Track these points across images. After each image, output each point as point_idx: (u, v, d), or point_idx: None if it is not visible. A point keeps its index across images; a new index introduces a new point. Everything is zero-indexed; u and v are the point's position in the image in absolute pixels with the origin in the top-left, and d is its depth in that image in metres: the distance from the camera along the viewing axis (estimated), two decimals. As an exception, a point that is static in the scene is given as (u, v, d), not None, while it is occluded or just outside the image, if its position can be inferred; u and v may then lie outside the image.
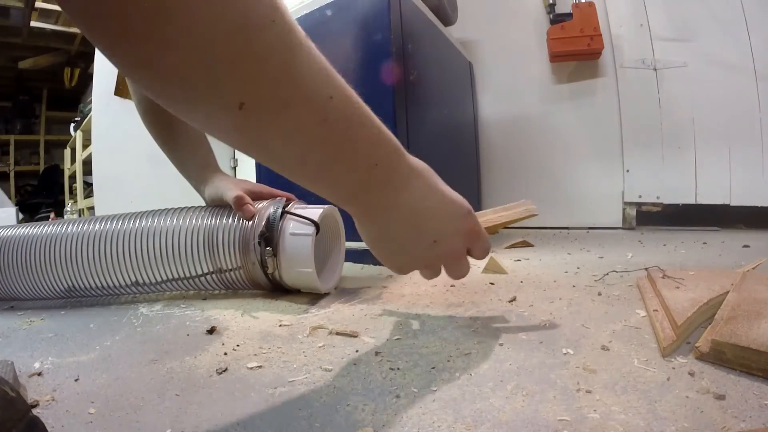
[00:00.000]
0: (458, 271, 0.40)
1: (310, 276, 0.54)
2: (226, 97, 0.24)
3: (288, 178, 0.31)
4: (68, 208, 2.48)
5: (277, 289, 0.59)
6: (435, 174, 0.37)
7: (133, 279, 0.57)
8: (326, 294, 0.58)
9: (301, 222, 0.55)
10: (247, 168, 1.93)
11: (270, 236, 0.54)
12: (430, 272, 0.41)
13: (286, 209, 0.56)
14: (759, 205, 1.19)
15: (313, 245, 0.53)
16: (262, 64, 0.24)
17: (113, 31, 0.21)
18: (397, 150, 0.33)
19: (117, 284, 0.57)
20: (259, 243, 0.54)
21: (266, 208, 0.57)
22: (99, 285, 0.57)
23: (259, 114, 0.25)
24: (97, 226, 0.57)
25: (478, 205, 1.44)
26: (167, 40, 0.21)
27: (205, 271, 0.57)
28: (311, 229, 0.54)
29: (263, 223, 0.55)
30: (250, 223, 0.56)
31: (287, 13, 0.24)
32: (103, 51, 0.22)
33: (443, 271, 0.41)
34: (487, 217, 0.72)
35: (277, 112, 0.26)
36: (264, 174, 1.06)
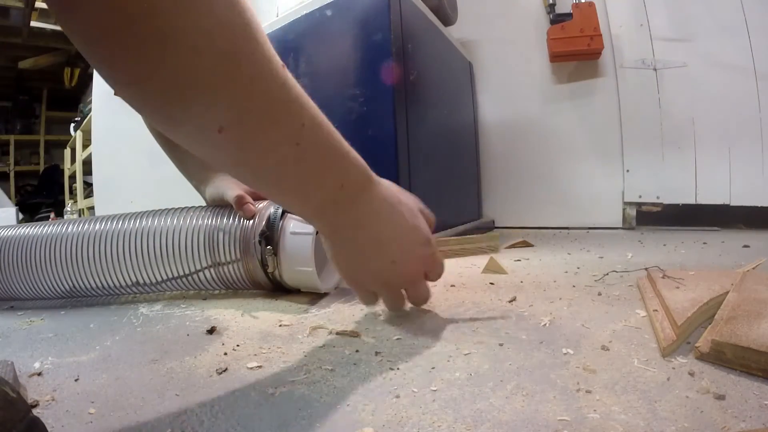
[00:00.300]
0: (418, 295, 0.44)
1: (311, 275, 0.54)
2: (208, 121, 0.25)
3: (261, 192, 0.34)
4: (68, 208, 2.49)
5: (277, 289, 0.59)
6: (403, 202, 0.40)
7: (134, 279, 0.57)
8: (326, 294, 0.58)
9: (301, 221, 0.55)
10: (247, 168, 1.92)
11: (270, 235, 0.54)
12: (391, 296, 0.43)
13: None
14: (759, 205, 1.19)
15: (313, 244, 0.53)
16: (244, 92, 0.25)
17: (109, 51, 0.22)
18: (366, 175, 0.36)
19: (117, 284, 0.57)
20: (260, 242, 0.54)
21: (267, 208, 0.57)
22: (99, 285, 0.57)
23: (237, 136, 0.27)
24: (97, 226, 0.57)
25: (478, 206, 1.44)
26: (158, 64, 0.22)
27: (204, 265, 0.57)
28: (312, 228, 0.54)
29: (264, 222, 0.55)
30: (251, 222, 0.56)
31: (267, 44, 0.26)
32: (96, 67, 0.23)
33: (405, 297, 0.44)
34: (449, 247, 0.83)
35: (255, 136, 0.28)
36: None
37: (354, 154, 0.35)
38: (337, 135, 0.33)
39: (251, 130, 0.27)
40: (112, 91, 0.24)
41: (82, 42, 0.21)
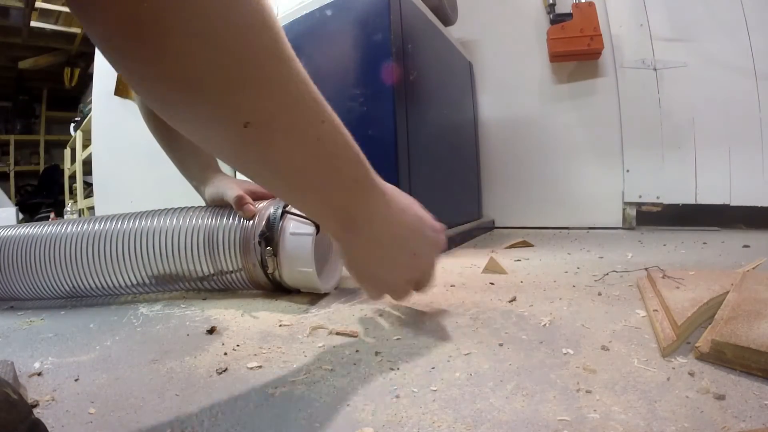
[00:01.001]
0: (428, 283, 0.43)
1: (311, 276, 0.54)
2: (235, 115, 0.26)
3: (279, 194, 0.34)
4: (68, 208, 2.49)
5: (277, 289, 0.59)
6: (404, 194, 0.41)
7: (134, 279, 0.57)
8: (326, 294, 0.58)
9: (301, 222, 0.55)
10: (247, 168, 1.92)
11: (270, 236, 0.54)
12: (403, 290, 0.42)
13: (287, 209, 0.56)
14: (759, 205, 1.19)
15: (313, 245, 0.53)
16: (273, 86, 0.26)
17: (137, 49, 0.21)
18: (371, 171, 0.36)
19: (117, 284, 0.57)
20: (260, 243, 0.54)
21: (266, 208, 0.57)
22: (99, 285, 0.57)
23: (263, 131, 0.27)
24: (97, 226, 0.57)
25: (478, 206, 1.44)
26: (193, 62, 0.22)
27: (206, 272, 0.57)
28: (311, 229, 0.54)
29: (263, 222, 0.55)
30: (251, 222, 0.56)
31: (285, 39, 0.27)
32: (113, 57, 0.23)
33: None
34: None
35: (280, 131, 0.28)
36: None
37: (360, 151, 0.35)
38: (347, 132, 0.33)
39: (277, 124, 0.27)
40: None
41: (98, 29, 0.22)
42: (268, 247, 0.54)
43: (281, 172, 0.31)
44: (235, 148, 0.29)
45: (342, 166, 0.33)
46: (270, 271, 0.55)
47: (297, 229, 0.54)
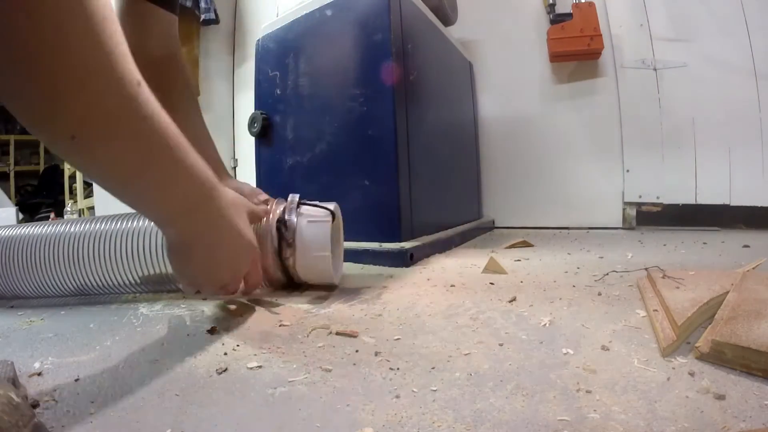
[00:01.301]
0: (235, 288, 0.48)
1: (326, 261, 0.55)
2: (60, 129, 0.27)
3: (122, 202, 0.35)
4: (68, 208, 2.48)
5: (288, 285, 0.60)
6: (243, 211, 0.46)
7: (135, 279, 0.57)
8: (327, 294, 0.58)
9: (315, 210, 0.58)
10: (246, 168, 1.93)
11: (287, 224, 0.56)
12: (213, 288, 0.46)
13: (302, 200, 0.59)
14: (759, 205, 1.19)
15: (329, 230, 0.55)
16: (94, 105, 0.27)
17: None
18: (210, 184, 0.38)
19: (118, 284, 0.57)
20: (278, 229, 0.56)
21: (281, 202, 0.59)
22: (100, 285, 0.57)
23: (88, 145, 0.28)
24: (97, 226, 0.57)
25: (478, 206, 1.44)
26: (24, 79, 0.23)
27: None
28: (328, 215, 0.56)
29: (281, 209, 0.57)
30: (263, 220, 0.57)
31: (121, 62, 0.27)
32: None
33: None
34: None
35: (103, 146, 0.29)
36: (264, 178, 1.06)
37: (200, 165, 0.36)
38: (185, 149, 0.34)
39: (99, 140, 0.28)
40: None
41: None
42: (286, 232, 0.56)
43: (113, 185, 0.32)
44: (72, 159, 0.30)
45: (169, 182, 0.34)
46: (286, 256, 0.57)
47: (313, 218, 0.57)
